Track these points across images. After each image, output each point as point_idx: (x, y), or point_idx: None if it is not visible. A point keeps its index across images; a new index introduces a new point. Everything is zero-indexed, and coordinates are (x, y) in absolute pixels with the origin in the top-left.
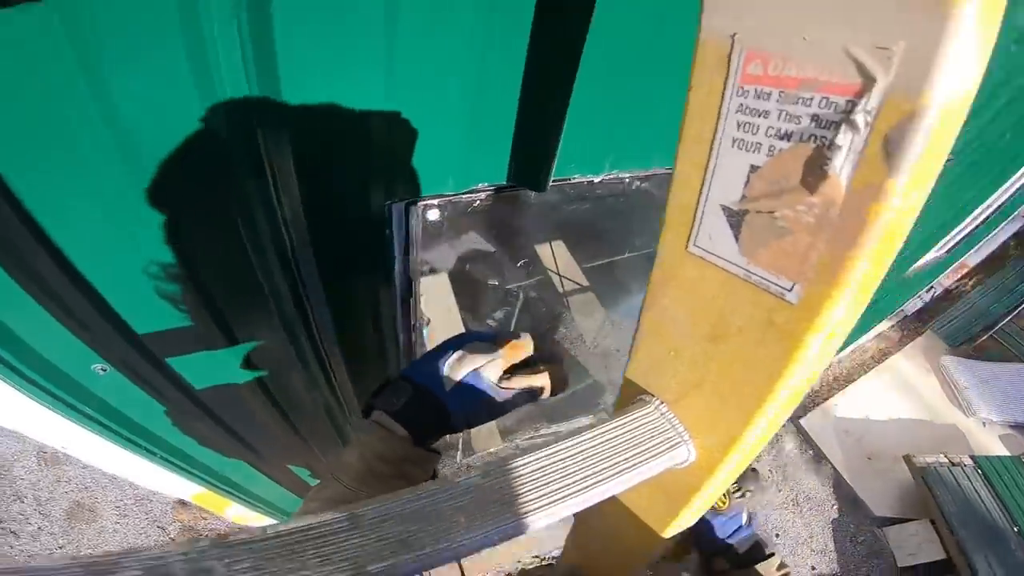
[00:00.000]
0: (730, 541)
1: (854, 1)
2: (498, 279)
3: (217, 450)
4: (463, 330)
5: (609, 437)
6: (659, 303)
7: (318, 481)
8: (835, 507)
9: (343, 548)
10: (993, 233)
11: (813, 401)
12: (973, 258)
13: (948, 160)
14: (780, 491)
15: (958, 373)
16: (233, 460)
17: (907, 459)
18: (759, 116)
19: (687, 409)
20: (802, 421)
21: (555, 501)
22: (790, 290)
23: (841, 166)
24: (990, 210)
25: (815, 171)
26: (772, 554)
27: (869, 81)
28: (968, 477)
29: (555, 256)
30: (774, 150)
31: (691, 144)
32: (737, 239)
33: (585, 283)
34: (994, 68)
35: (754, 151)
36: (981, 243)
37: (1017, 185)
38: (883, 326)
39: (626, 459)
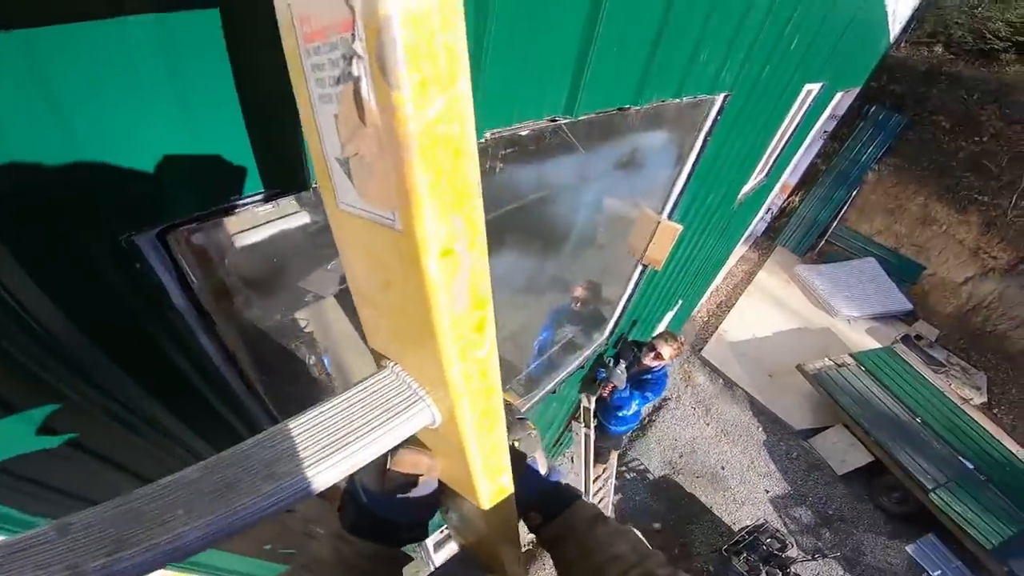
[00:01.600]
0: (533, 494)
1: None
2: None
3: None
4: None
5: (348, 405)
6: (348, 267)
7: None
8: (760, 429)
9: (56, 554)
10: (799, 154)
11: (707, 331)
12: (792, 178)
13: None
14: (708, 424)
15: (811, 278)
16: None
17: (799, 368)
18: (323, 70)
19: (409, 365)
20: (703, 353)
21: (294, 480)
22: (394, 218)
23: (368, 93)
24: (787, 135)
25: (359, 104)
26: (578, 495)
27: (351, 10)
28: (855, 376)
29: None
30: (338, 96)
31: (301, 109)
32: (354, 185)
33: None
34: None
35: (331, 102)
36: (792, 164)
37: (802, 112)
38: (741, 249)
39: (368, 423)
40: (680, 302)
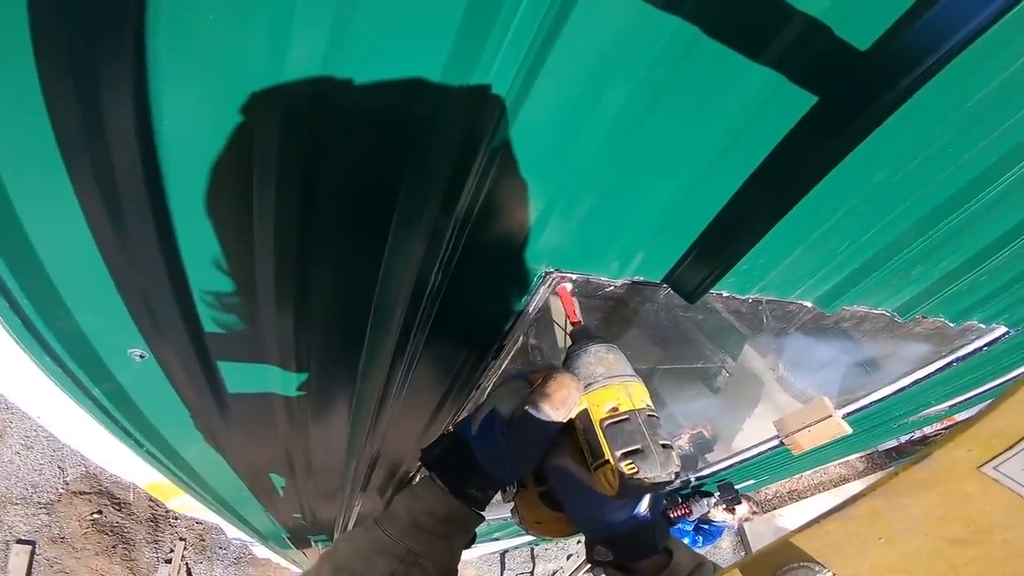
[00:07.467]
0: (619, 528)
1: None
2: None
3: (217, 448)
4: None
5: None
6: (897, 499)
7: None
8: None
9: None
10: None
11: (761, 508)
12: (965, 415)
13: None
14: None
15: None
16: (215, 456)
17: None
18: None
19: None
20: (745, 524)
21: None
22: None
23: None
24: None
25: None
26: (666, 549)
27: None
28: None
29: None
30: None
31: None
32: None
33: None
34: None
35: None
36: (977, 406)
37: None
38: (853, 455)
39: None
40: (766, 478)
